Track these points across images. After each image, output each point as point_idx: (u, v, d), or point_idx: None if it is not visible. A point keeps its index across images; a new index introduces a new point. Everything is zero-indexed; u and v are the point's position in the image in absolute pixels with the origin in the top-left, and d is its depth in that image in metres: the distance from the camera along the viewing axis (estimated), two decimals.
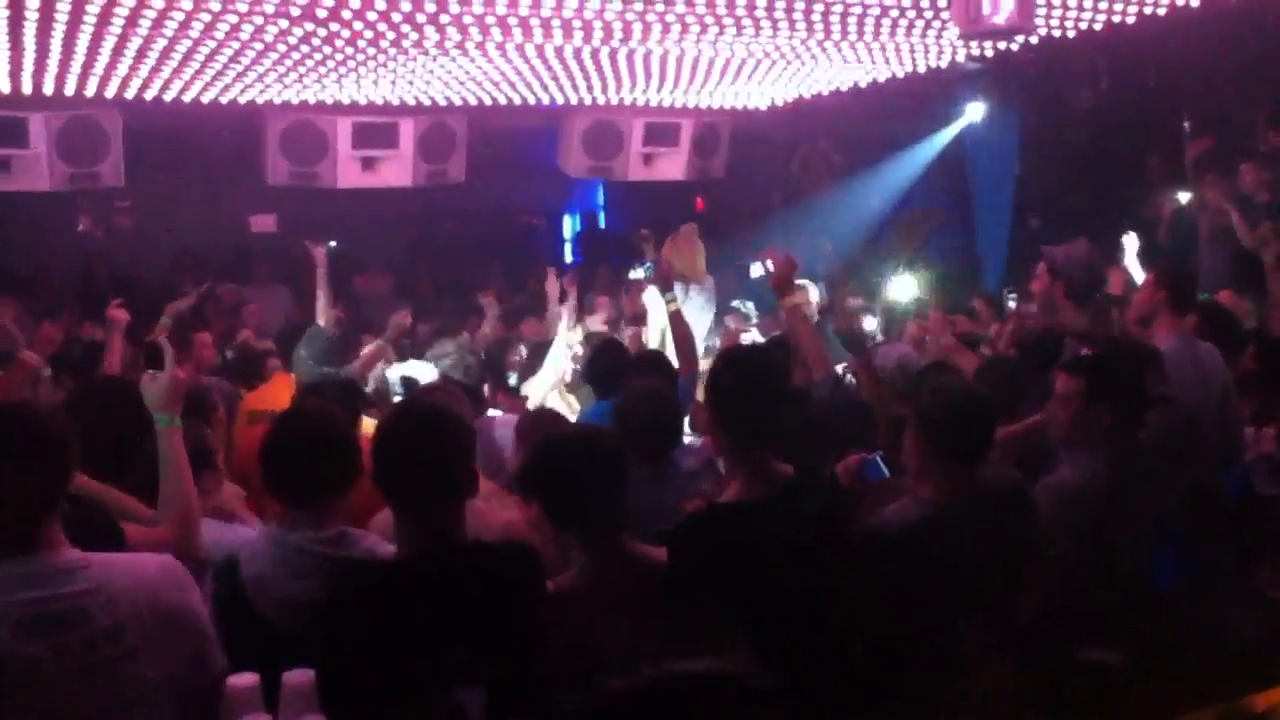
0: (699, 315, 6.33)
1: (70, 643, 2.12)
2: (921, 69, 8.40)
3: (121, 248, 10.67)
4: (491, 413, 5.23)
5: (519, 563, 2.54)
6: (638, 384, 3.97)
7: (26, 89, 7.53)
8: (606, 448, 2.84)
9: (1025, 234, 9.20)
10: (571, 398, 6.04)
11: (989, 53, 7.83)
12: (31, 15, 5.84)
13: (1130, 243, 6.87)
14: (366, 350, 6.21)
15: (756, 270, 9.09)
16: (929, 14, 6.74)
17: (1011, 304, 6.99)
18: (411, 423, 2.63)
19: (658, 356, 4.92)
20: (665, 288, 5.30)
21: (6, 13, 5.80)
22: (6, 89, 7.49)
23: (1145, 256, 6.97)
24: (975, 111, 9.26)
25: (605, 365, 4.76)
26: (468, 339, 6.64)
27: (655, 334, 6.55)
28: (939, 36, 7.35)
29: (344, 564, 2.61)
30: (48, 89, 7.58)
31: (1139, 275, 6.54)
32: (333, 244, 11.92)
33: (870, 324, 7.67)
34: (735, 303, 8.63)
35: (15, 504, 2.17)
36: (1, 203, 8.61)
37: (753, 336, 7.74)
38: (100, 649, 2.15)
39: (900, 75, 8.60)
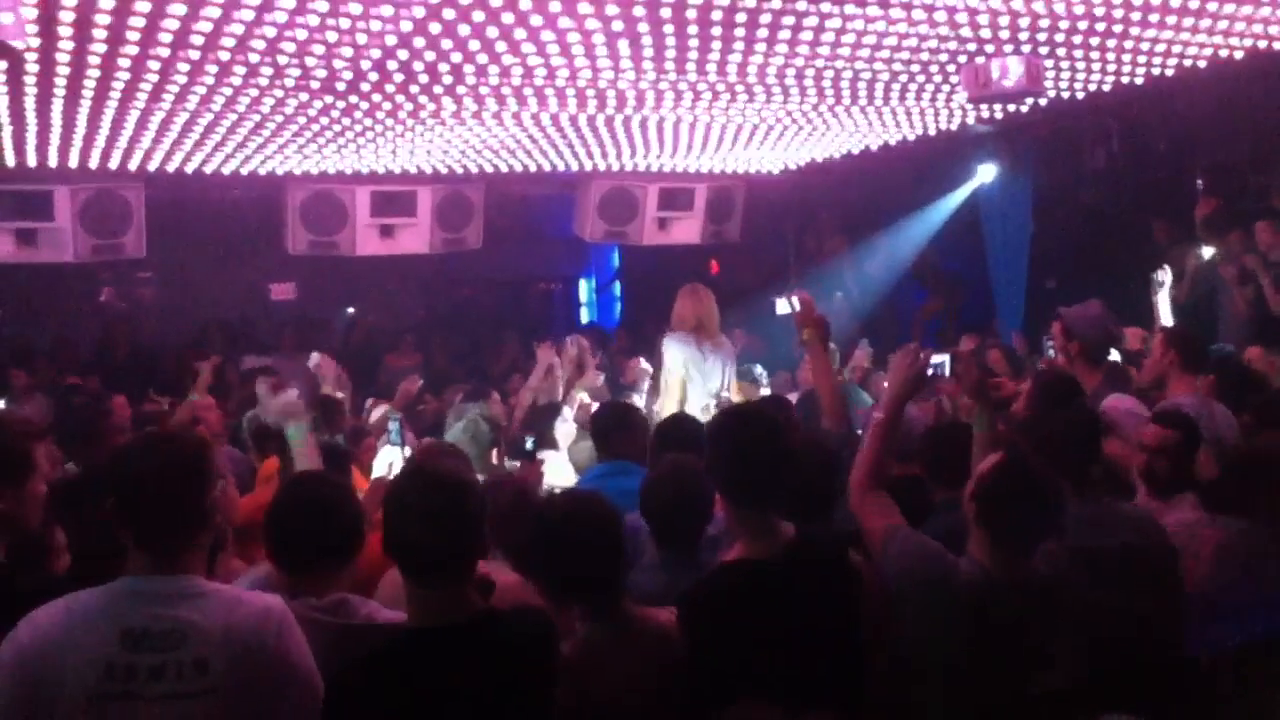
0: (715, 375, 6.15)
1: (164, 665, 2.21)
2: (932, 131, 8.49)
3: (143, 318, 10.81)
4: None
5: (534, 631, 2.52)
6: (668, 460, 3.54)
7: (52, 162, 7.70)
8: (596, 516, 2.81)
9: (1041, 294, 9.20)
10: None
11: (999, 115, 7.90)
12: (59, 91, 5.99)
13: (1163, 277, 6.71)
14: (375, 416, 6.24)
15: (783, 307, 9.09)
16: (938, 79, 6.82)
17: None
18: (423, 487, 2.56)
19: (690, 427, 4.35)
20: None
21: (35, 90, 5.94)
22: (33, 162, 7.65)
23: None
24: (987, 173, 9.31)
25: (607, 425, 4.62)
26: (487, 406, 6.58)
27: (672, 397, 6.25)
28: (949, 100, 7.44)
29: (347, 632, 2.60)
30: (72, 162, 7.75)
31: (1166, 314, 6.45)
32: (350, 310, 12.15)
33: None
34: (745, 366, 8.53)
35: (157, 526, 2.32)
36: (26, 273, 8.76)
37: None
38: (185, 678, 2.22)
39: (911, 138, 8.69)
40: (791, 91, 6.97)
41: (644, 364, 7.40)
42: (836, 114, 7.74)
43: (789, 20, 5.50)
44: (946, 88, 7.06)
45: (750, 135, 8.39)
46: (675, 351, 6.00)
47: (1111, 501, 3.51)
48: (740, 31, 5.62)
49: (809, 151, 9.29)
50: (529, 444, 5.00)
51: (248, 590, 2.49)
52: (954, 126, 8.37)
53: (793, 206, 11.20)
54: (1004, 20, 5.65)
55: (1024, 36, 5.93)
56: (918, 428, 4.40)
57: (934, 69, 6.58)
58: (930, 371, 4.01)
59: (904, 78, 6.78)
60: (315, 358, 6.18)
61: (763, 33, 5.68)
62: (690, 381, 5.96)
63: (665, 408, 5.89)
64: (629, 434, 4.49)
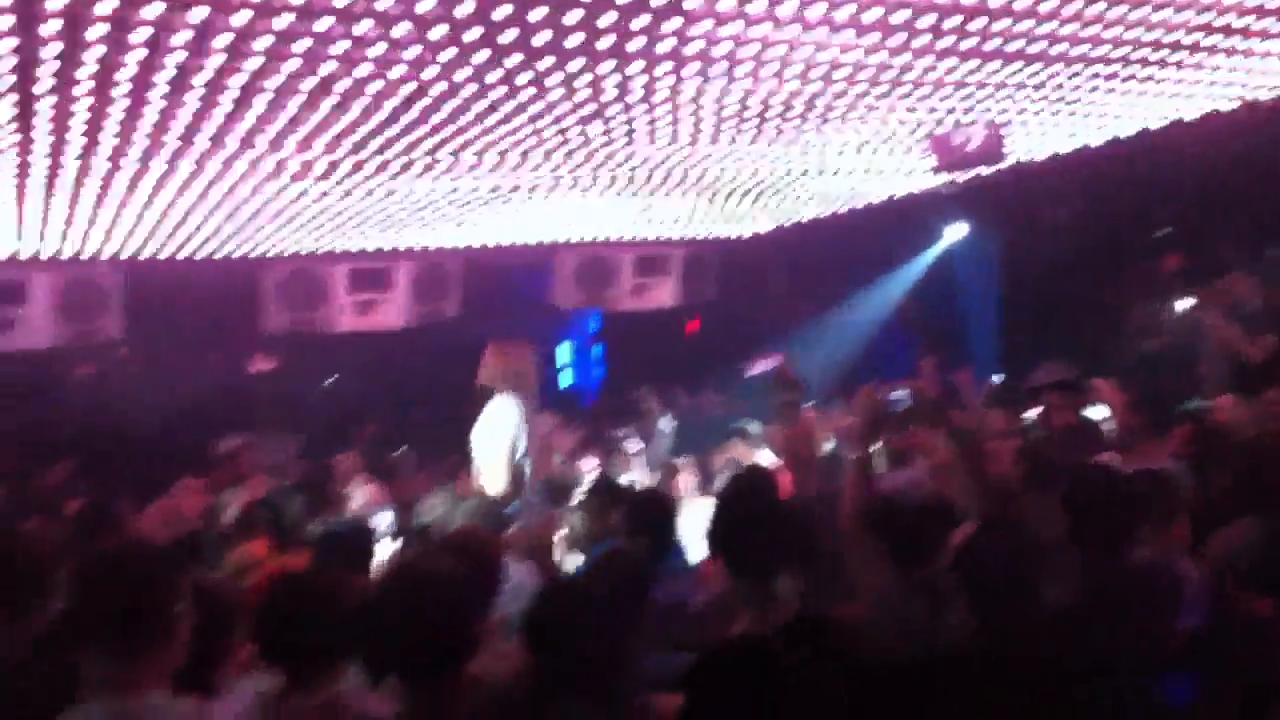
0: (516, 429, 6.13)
1: None
2: (900, 193, 8.65)
3: (120, 398, 10.73)
4: None
5: None
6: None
7: (27, 252, 7.71)
8: (597, 599, 2.83)
9: (1015, 350, 9.31)
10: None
11: (962, 178, 8.07)
12: (38, 181, 6.01)
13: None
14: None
15: (755, 368, 9.09)
16: (908, 143, 6.96)
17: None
18: (398, 589, 2.63)
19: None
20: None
21: (14, 181, 5.98)
22: (7, 252, 7.66)
23: (1136, 369, 7.01)
24: (957, 232, 9.48)
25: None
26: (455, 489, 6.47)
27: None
28: (918, 162, 7.58)
29: None
30: (48, 252, 7.76)
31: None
32: (329, 382, 12.10)
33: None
34: (740, 423, 8.43)
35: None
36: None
37: (765, 455, 7.54)
38: None
39: (879, 200, 8.85)
40: (765, 158, 7.10)
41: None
42: (807, 175, 7.87)
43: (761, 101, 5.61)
44: (917, 150, 7.19)
45: (725, 199, 8.51)
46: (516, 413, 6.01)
47: None
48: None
49: (781, 217, 9.44)
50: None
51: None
52: (921, 189, 8.51)
53: (769, 266, 11.31)
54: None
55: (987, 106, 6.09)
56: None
57: (901, 134, 6.71)
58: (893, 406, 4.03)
59: (875, 141, 6.90)
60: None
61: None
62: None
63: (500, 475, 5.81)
64: None
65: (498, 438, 5.92)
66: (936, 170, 6.71)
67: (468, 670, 2.65)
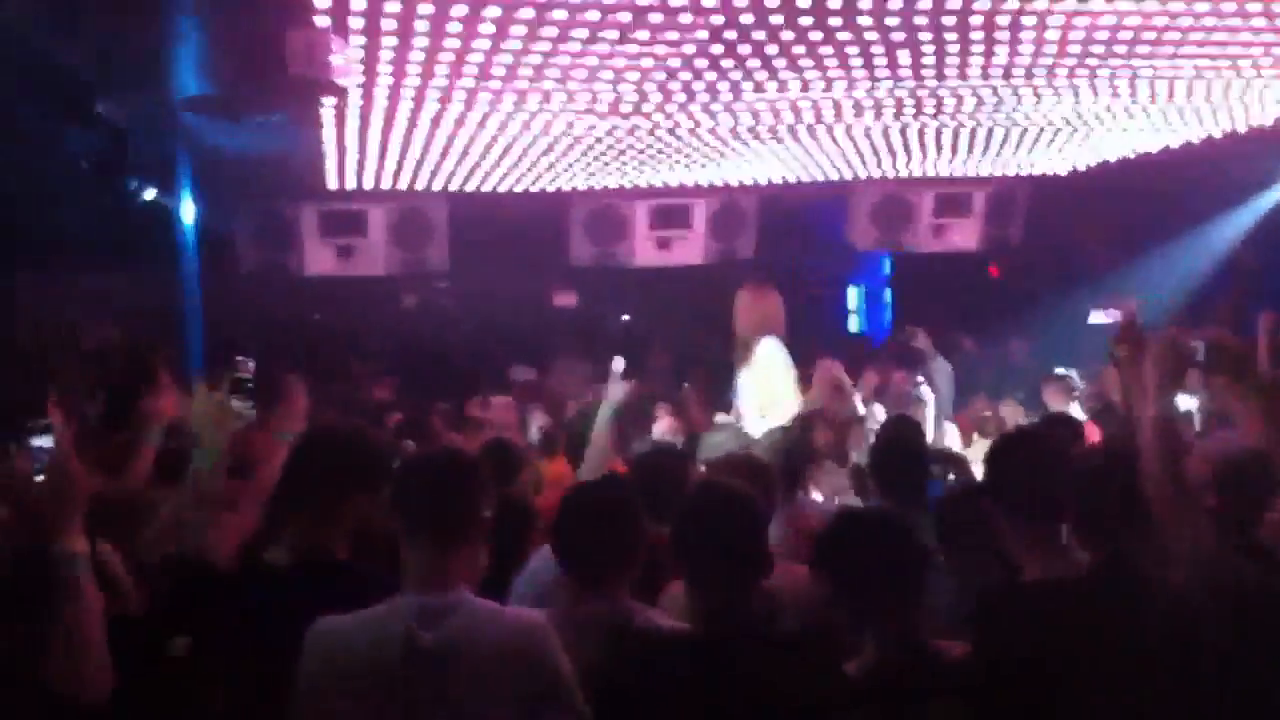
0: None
1: (441, 677, 2.31)
2: (1242, 129, 7.83)
3: (439, 322, 11.68)
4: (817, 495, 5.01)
5: (813, 656, 2.53)
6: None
7: (368, 184, 8.49)
8: (900, 531, 2.79)
9: None
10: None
11: None
12: (376, 121, 6.60)
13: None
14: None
15: (1098, 317, 8.50)
16: (1250, 74, 6.30)
17: None
18: (708, 504, 2.70)
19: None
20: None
21: (358, 121, 6.59)
22: (352, 185, 8.47)
23: None
24: None
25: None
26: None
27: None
28: (1261, 95, 6.85)
29: (629, 634, 2.66)
30: (385, 184, 8.51)
31: None
32: (625, 318, 12.60)
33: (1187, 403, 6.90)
34: (1060, 370, 7.95)
35: (425, 539, 2.42)
36: (340, 284, 9.69)
37: (1075, 409, 7.13)
38: (457, 690, 2.32)
39: (1218, 136, 8.05)
40: (1081, 91, 6.65)
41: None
42: (1131, 113, 7.30)
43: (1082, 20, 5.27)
44: (1260, 82, 6.51)
45: (1036, 138, 8.06)
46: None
47: None
48: (1031, 21, 5.41)
49: (1100, 153, 8.79)
50: None
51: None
52: (1268, 123, 7.67)
53: (1080, 209, 10.61)
54: None
55: None
56: None
57: (1244, 62, 6.09)
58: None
59: (1210, 73, 6.31)
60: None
61: (1053, 32, 5.47)
62: None
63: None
64: None
65: (778, 381, 5.89)
66: None
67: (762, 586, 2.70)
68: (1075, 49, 5.70)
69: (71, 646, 2.29)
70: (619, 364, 4.67)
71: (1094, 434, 5.92)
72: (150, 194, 7.22)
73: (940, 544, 3.47)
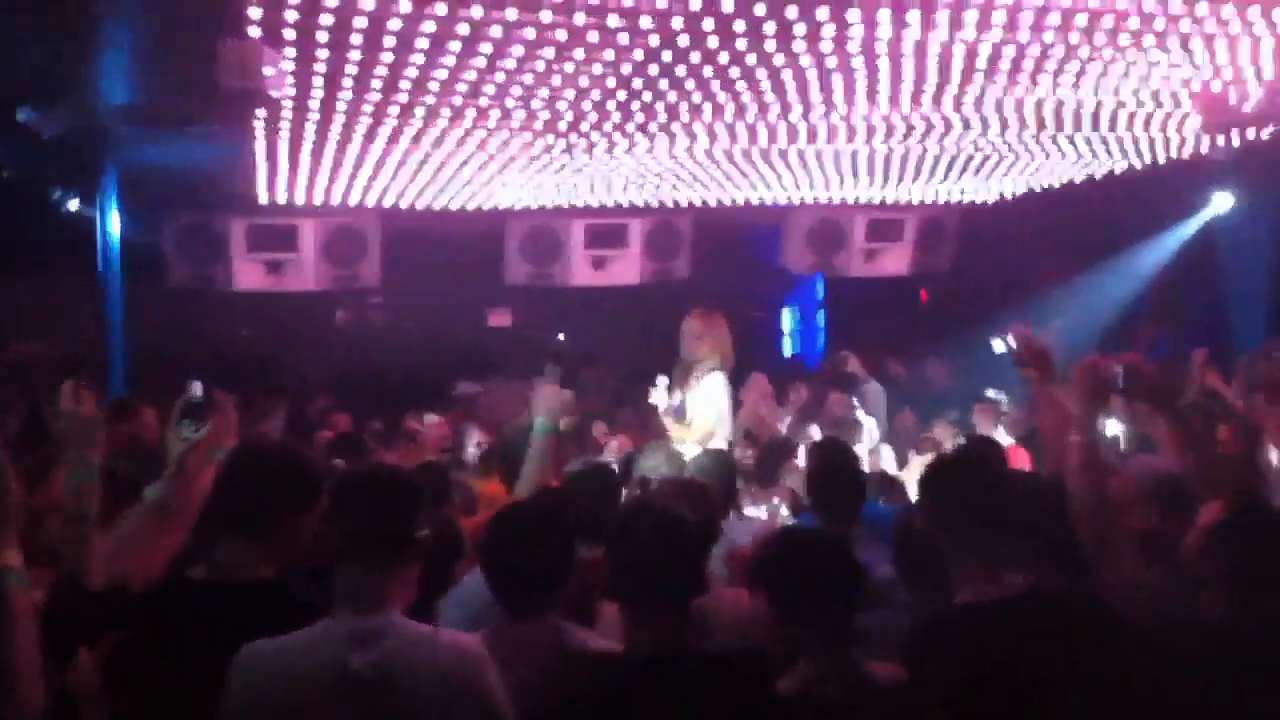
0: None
1: (373, 704, 2.26)
2: (1162, 160, 8.07)
3: (373, 340, 11.55)
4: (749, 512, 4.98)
5: (745, 675, 2.50)
6: None
7: (299, 199, 8.37)
8: (836, 550, 2.81)
9: None
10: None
11: (1235, 142, 7.44)
12: (309, 135, 6.52)
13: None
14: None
15: (998, 346, 8.62)
16: (1169, 106, 6.50)
17: None
18: (641, 525, 2.67)
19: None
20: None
21: (288, 135, 6.50)
22: (282, 200, 8.35)
23: None
24: (1223, 201, 8.77)
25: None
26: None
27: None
28: (1180, 127, 7.06)
29: (561, 658, 2.64)
30: (317, 199, 8.40)
31: None
32: (560, 337, 12.58)
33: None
34: (991, 393, 8.07)
35: (360, 558, 2.37)
36: (271, 300, 9.54)
37: (1000, 433, 7.24)
38: (390, 717, 2.28)
39: (1139, 167, 8.29)
40: (1010, 123, 6.81)
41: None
42: (1058, 143, 7.49)
43: (1009, 52, 5.40)
44: (1179, 114, 6.71)
45: (964, 166, 8.22)
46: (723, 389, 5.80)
47: None
48: (959, 64, 5.55)
49: (1027, 181, 9.01)
50: None
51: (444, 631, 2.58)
52: (1186, 155, 7.91)
53: (1008, 236, 10.84)
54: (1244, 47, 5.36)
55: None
56: None
57: (1165, 96, 6.28)
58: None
59: (1132, 105, 6.50)
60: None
61: (981, 64, 5.59)
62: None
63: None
64: None
65: (713, 414, 5.86)
66: (1203, 132, 6.21)
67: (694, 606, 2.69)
68: (1001, 79, 5.84)
69: (3, 664, 2.18)
70: (552, 372, 4.61)
71: (1019, 457, 6.04)
72: (73, 205, 7.05)
73: (898, 575, 3.50)
